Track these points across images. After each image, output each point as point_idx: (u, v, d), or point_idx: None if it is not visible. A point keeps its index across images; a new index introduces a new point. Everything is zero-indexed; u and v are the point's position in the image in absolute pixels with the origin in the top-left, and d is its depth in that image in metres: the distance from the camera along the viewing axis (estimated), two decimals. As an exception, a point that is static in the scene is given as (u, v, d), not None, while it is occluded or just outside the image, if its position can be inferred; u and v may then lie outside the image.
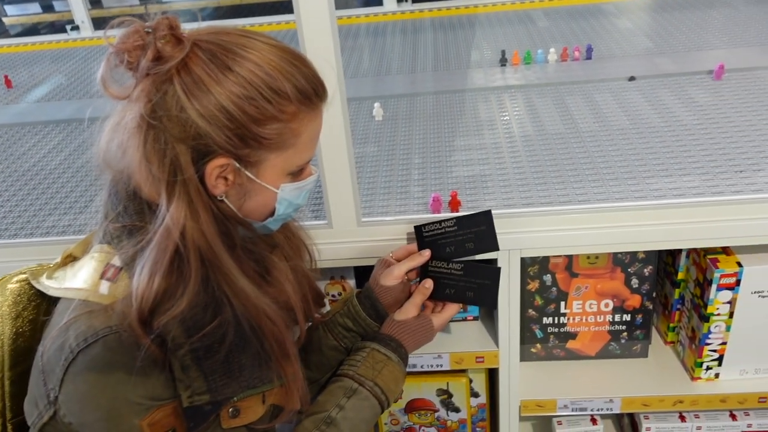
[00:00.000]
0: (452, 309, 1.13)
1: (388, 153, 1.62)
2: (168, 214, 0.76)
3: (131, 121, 0.76)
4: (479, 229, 1.12)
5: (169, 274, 0.77)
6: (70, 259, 0.89)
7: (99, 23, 3.10)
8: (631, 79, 1.90)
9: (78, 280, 0.83)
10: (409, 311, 1.09)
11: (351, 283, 1.43)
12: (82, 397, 0.78)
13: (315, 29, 1.03)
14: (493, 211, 1.14)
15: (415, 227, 1.14)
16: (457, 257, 1.12)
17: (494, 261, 1.21)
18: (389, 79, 2.13)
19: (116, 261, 0.82)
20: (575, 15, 2.56)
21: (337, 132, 1.12)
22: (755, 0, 2.54)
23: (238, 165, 0.80)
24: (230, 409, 0.87)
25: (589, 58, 2.07)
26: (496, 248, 1.12)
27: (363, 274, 1.38)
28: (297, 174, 0.86)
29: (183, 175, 0.76)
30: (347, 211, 1.21)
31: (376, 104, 1.81)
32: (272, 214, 0.88)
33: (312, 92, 0.81)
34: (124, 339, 0.76)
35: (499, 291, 1.10)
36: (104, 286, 0.81)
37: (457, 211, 1.31)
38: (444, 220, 1.13)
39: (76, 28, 3.04)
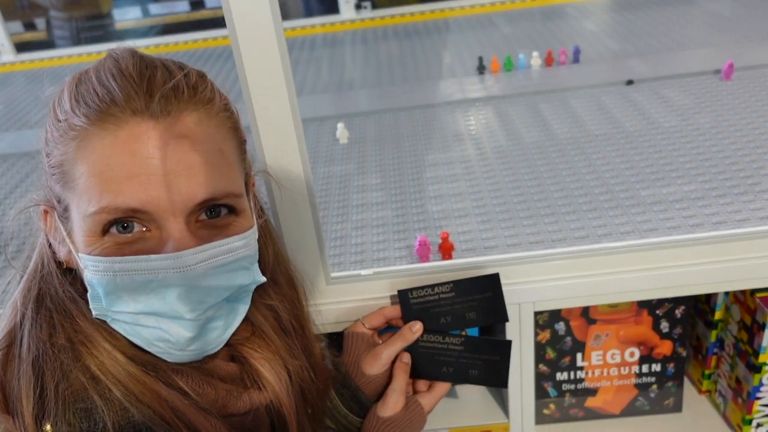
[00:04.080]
0: (443, 387, 0.97)
1: (358, 184, 1.37)
2: None
3: None
4: (483, 296, 0.95)
5: None
6: None
7: (23, 46, 2.83)
8: (629, 82, 1.70)
9: None
10: (396, 404, 0.91)
11: (321, 344, 1.18)
12: None
13: (255, 41, 0.84)
14: (495, 256, 1.00)
15: (399, 292, 0.96)
16: (455, 329, 0.96)
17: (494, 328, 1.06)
18: (352, 95, 1.89)
19: None
20: (550, 16, 2.37)
21: (291, 162, 0.93)
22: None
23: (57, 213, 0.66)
24: None
25: (576, 61, 1.88)
26: (505, 319, 0.96)
27: (338, 338, 1.15)
28: (114, 241, 0.62)
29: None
30: (312, 267, 1.02)
31: (340, 125, 1.57)
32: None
33: (105, 97, 0.61)
34: None
35: (509, 367, 0.94)
36: None
37: (450, 257, 1.08)
38: (438, 285, 0.95)
39: (-6, 53, 2.76)
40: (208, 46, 2.72)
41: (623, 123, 1.51)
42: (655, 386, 1.29)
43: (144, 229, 0.62)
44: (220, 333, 0.68)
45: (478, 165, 1.43)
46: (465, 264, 1.05)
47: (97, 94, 0.60)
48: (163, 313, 0.63)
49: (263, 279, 0.72)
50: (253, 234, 0.69)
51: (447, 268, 1.04)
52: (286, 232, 0.99)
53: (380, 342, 0.96)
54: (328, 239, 1.20)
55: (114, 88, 0.60)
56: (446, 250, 1.11)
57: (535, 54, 1.92)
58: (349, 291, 1.06)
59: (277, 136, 0.92)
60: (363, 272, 1.07)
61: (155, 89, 0.61)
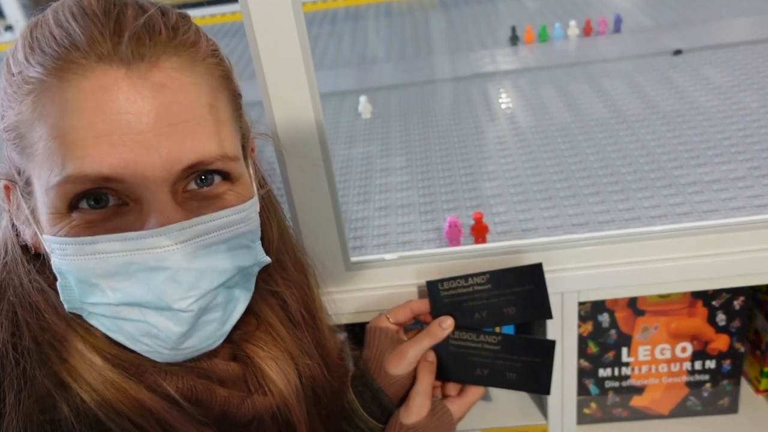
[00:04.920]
0: (476, 392, 0.88)
1: (381, 161, 1.28)
2: None
3: None
4: (524, 289, 0.87)
5: None
6: None
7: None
8: (678, 52, 1.58)
9: None
10: (420, 408, 0.83)
11: (341, 337, 1.11)
12: None
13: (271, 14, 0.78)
14: (535, 240, 0.93)
15: (428, 283, 0.88)
16: (491, 326, 0.88)
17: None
18: (375, 69, 1.80)
19: None
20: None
21: (309, 137, 0.87)
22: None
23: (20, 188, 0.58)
24: None
25: (618, 31, 1.75)
26: (548, 316, 0.88)
27: (353, 330, 1.14)
28: (83, 218, 0.54)
29: None
30: (329, 250, 0.96)
31: (362, 98, 1.48)
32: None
33: (64, 41, 0.52)
34: None
35: (553, 371, 0.87)
36: None
37: (484, 239, 0.98)
38: (472, 276, 0.88)
39: (9, 28, 2.73)
40: (226, 21, 2.64)
41: (672, 95, 1.40)
42: (708, 385, 1.22)
43: (120, 202, 0.54)
44: (218, 327, 0.60)
45: (513, 141, 1.33)
46: (500, 248, 0.98)
47: (55, 38, 0.51)
48: (148, 302, 0.54)
49: (267, 259, 0.64)
50: (253, 206, 0.61)
51: (480, 252, 0.98)
52: (299, 209, 0.94)
53: (406, 339, 0.88)
54: (348, 221, 1.11)
55: (75, 30, 0.51)
56: (479, 233, 1.03)
57: (572, 23, 1.81)
58: (371, 278, 1.00)
59: (289, 96, 0.85)
60: (387, 257, 1.01)
61: (124, 29, 0.52)
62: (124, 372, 0.57)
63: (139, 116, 0.50)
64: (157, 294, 0.53)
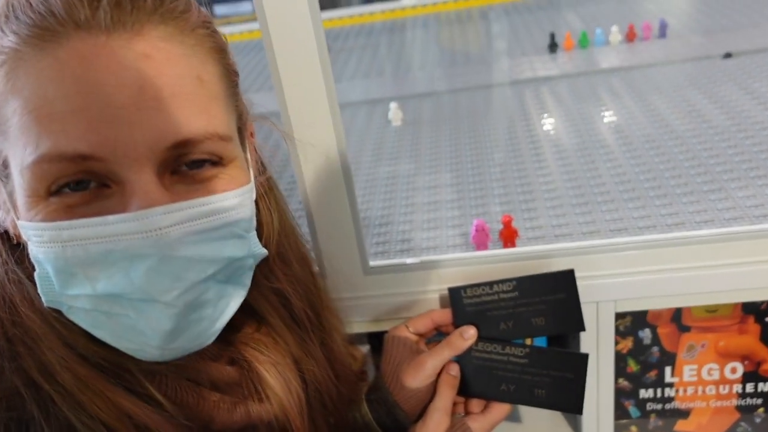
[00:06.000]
0: (501, 409, 0.84)
1: (410, 166, 1.25)
2: None
3: None
4: (554, 298, 0.83)
5: None
6: None
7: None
8: (727, 56, 1.52)
9: None
10: (438, 426, 0.79)
11: (364, 350, 1.11)
12: None
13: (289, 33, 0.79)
14: (566, 244, 0.89)
15: (450, 290, 0.86)
16: (518, 337, 0.85)
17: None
18: (408, 77, 1.78)
19: None
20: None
21: (319, 118, 0.85)
22: None
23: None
24: None
25: (663, 36, 1.70)
26: (580, 328, 0.85)
27: (375, 337, 1.13)
28: (63, 202, 0.51)
29: None
30: (347, 253, 0.93)
31: (392, 104, 1.46)
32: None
33: (39, 6, 0.49)
34: None
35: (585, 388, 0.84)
36: None
37: (513, 244, 0.94)
38: (497, 282, 0.85)
39: None
40: (243, 39, 2.68)
41: (722, 100, 1.34)
42: (761, 410, 1.17)
43: (101, 184, 0.52)
44: (209, 325, 0.57)
45: (548, 145, 1.28)
46: (529, 253, 0.95)
47: (31, 5, 0.49)
48: (130, 294, 0.51)
49: (263, 251, 0.61)
50: (247, 192, 0.59)
51: (507, 257, 0.95)
52: (314, 207, 0.92)
53: (426, 351, 0.83)
54: (371, 225, 1.07)
55: (36, 2, 0.50)
56: (508, 237, 0.98)
57: (614, 29, 1.77)
58: (391, 283, 0.98)
59: (302, 85, 0.84)
60: (408, 261, 0.99)
61: (75, 8, 0.50)
62: (102, 372, 0.54)
63: (120, 89, 0.48)
64: (139, 285, 0.50)
